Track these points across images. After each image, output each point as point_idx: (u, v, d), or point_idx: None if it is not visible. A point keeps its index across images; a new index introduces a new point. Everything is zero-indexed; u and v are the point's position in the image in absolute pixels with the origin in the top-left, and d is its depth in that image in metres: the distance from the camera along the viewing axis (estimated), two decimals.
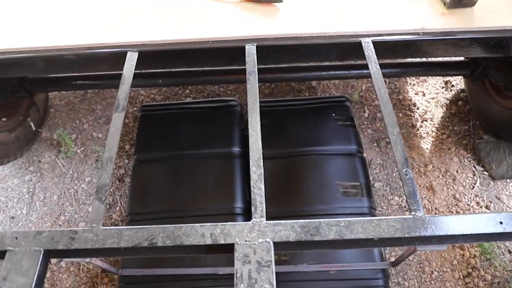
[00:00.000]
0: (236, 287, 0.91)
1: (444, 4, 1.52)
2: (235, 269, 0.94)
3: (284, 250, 1.05)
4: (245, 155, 1.91)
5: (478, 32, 1.46)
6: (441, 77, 2.64)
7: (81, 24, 1.53)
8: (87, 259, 1.28)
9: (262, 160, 1.14)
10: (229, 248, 1.00)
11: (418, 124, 2.45)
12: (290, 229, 1.01)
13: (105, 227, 1.03)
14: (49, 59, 1.48)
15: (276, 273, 1.54)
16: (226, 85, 2.57)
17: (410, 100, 2.56)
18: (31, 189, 2.25)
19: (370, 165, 2.28)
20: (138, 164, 1.90)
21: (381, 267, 1.54)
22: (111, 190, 2.20)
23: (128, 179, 2.21)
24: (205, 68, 2.00)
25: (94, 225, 1.04)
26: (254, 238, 1.00)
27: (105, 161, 1.15)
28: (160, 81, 1.98)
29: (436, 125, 2.45)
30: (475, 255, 1.92)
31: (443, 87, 2.61)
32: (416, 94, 2.60)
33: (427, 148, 2.35)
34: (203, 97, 2.57)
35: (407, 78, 2.66)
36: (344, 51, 1.50)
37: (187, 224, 1.03)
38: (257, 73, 1.33)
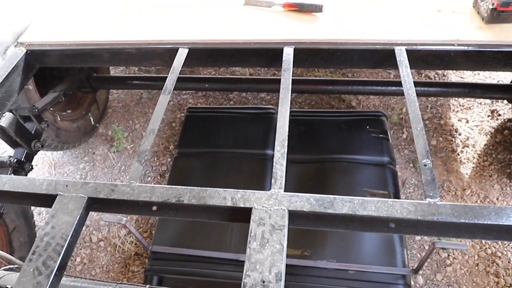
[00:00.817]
0: (249, 244, 0.99)
1: (482, 19, 1.56)
2: (249, 229, 1.02)
3: (299, 223, 1.10)
4: None
5: None
6: (487, 106, 2.59)
7: (141, 22, 1.74)
8: (123, 220, 1.42)
9: (286, 141, 1.22)
10: (247, 213, 1.08)
11: (459, 149, 2.41)
12: (305, 201, 1.08)
13: (140, 184, 1.16)
14: (113, 52, 1.70)
15: (296, 266, 1.59)
16: (268, 99, 2.70)
17: (452, 125, 2.54)
18: (83, 177, 2.48)
19: (404, 185, 2.26)
20: (178, 157, 2.05)
21: (402, 273, 1.51)
22: (153, 184, 2.37)
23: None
24: (248, 76, 2.16)
25: (132, 181, 1.17)
26: (271, 205, 1.07)
27: (148, 132, 1.30)
28: (206, 85, 2.16)
29: (478, 152, 2.39)
30: (511, 284, 1.81)
31: (488, 116, 2.56)
32: (459, 120, 2.57)
33: (466, 173, 2.29)
34: None
35: (451, 104, 2.64)
36: (377, 58, 1.57)
37: (211, 188, 1.14)
38: (291, 71, 1.44)
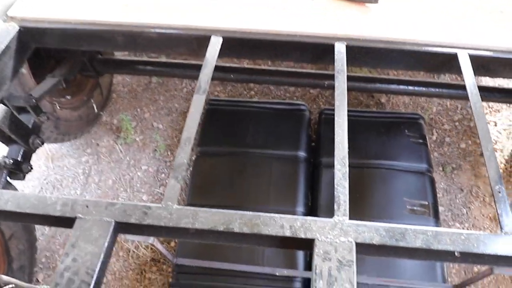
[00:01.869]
0: (314, 283, 0.86)
1: None
2: (314, 264, 0.89)
3: (365, 253, 0.97)
4: (309, 160, 1.85)
5: None
6: None
7: (166, 4, 1.49)
8: (150, 240, 1.25)
9: (347, 159, 1.07)
10: (307, 244, 0.95)
11: None
12: (374, 231, 0.95)
13: (179, 206, 0.99)
14: (128, 35, 1.44)
15: None
16: (292, 91, 2.52)
17: None
18: (87, 171, 2.27)
19: None
20: (201, 157, 1.88)
21: None
22: (167, 176, 2.19)
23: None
24: (279, 68, 1.97)
25: (168, 203, 1.00)
26: (336, 236, 0.94)
27: (183, 141, 1.12)
28: (232, 76, 1.94)
29: (506, 157, 2.32)
30: None
31: None
32: (487, 123, 2.44)
33: None
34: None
35: None
36: (435, 62, 1.41)
37: (265, 214, 0.97)
38: (345, 72, 1.27)
